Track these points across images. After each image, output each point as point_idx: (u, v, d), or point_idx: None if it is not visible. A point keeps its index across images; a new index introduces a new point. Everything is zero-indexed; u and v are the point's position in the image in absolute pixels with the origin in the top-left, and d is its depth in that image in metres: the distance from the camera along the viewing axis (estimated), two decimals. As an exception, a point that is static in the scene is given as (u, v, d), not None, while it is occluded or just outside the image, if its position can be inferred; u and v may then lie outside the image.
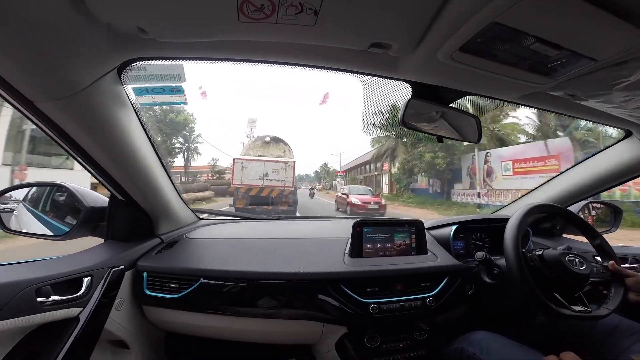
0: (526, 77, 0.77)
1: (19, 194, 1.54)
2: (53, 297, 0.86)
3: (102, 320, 0.99)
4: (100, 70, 0.71)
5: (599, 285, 1.04)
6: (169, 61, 0.82)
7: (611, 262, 1.05)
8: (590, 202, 1.59)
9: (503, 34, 0.60)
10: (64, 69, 0.65)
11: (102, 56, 0.69)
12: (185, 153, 26.53)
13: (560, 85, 0.82)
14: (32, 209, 1.53)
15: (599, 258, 1.12)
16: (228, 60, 0.79)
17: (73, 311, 0.90)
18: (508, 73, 0.75)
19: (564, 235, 1.60)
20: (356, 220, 1.25)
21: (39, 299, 0.84)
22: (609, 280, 1.04)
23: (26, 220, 1.52)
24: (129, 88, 0.89)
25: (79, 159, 0.91)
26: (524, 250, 0.96)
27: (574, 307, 0.93)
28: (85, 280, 0.95)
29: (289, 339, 1.22)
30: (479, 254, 1.15)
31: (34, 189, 1.64)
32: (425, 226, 1.33)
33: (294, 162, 11.86)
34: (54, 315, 0.86)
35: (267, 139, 12.73)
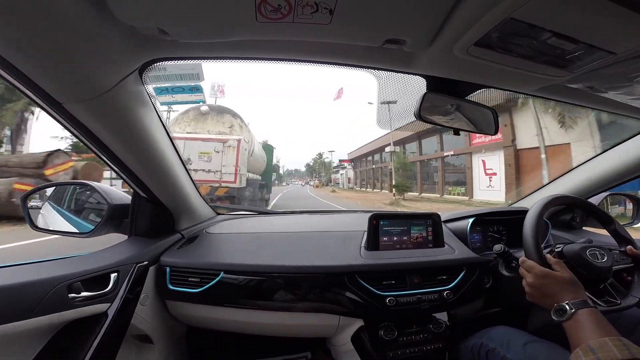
0: (543, 70, 0.76)
1: (46, 193, 1.60)
2: (84, 293, 0.88)
3: (128, 315, 1.01)
4: (123, 72, 0.73)
5: (623, 272, 1.02)
6: (188, 61, 0.83)
7: (628, 247, 1.02)
8: (611, 194, 1.56)
9: (519, 29, 0.60)
10: (90, 71, 0.67)
11: (125, 57, 0.70)
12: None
13: (579, 77, 0.80)
14: (58, 207, 1.58)
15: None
16: (245, 59, 0.80)
17: (102, 307, 0.92)
18: (525, 66, 0.74)
19: (584, 228, 1.57)
20: (372, 213, 1.26)
21: (71, 295, 0.86)
22: (631, 266, 1.01)
23: (52, 218, 1.57)
24: (150, 88, 0.91)
25: (103, 157, 0.93)
26: (546, 253, 0.94)
27: (601, 300, 0.92)
28: (113, 276, 0.97)
29: (306, 332, 1.24)
30: (498, 247, 1.14)
31: (58, 188, 1.70)
32: (442, 219, 1.33)
33: (240, 140, 7.81)
34: (84, 311, 0.88)
35: (204, 108, 8.56)
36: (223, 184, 7.49)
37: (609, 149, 1.37)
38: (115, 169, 1.00)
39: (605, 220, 1.10)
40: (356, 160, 42.24)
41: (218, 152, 7.56)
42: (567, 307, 0.76)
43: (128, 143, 0.91)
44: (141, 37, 0.65)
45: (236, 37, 0.67)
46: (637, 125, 1.24)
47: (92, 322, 0.91)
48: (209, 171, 7.54)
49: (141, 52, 0.72)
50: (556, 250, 1.00)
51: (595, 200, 1.47)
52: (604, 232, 1.26)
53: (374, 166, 33.20)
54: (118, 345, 0.99)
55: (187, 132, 8.12)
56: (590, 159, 1.46)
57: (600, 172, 1.40)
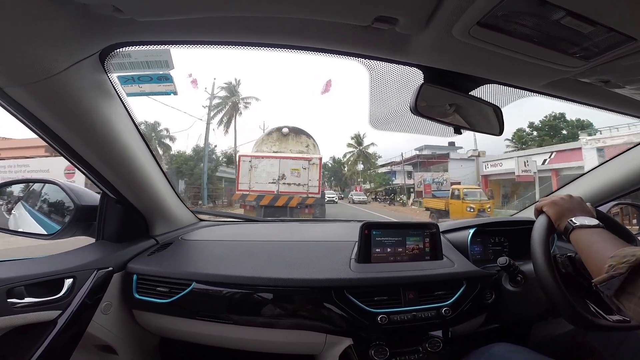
0: (554, 58, 0.67)
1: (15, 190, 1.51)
2: (27, 299, 0.82)
3: (83, 324, 0.93)
4: (76, 55, 0.65)
5: None
6: (154, 46, 0.74)
7: None
8: (619, 204, 1.47)
9: (528, 6, 0.52)
10: (33, 52, 0.59)
11: (78, 40, 0.63)
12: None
13: (593, 69, 0.72)
14: (29, 206, 1.49)
15: None
16: (216, 44, 0.71)
17: (50, 314, 0.85)
18: (534, 54, 0.66)
19: None
20: (364, 222, 1.16)
21: (11, 301, 0.79)
22: None
23: (21, 218, 1.48)
24: (114, 77, 0.83)
25: (61, 151, 0.85)
26: (557, 255, 0.85)
27: (611, 317, 0.81)
28: (67, 281, 0.90)
29: (289, 349, 1.13)
30: (502, 260, 1.04)
31: (34, 186, 1.60)
32: (440, 229, 1.22)
33: (320, 158, 9.36)
34: (26, 318, 0.81)
35: (285, 130, 9.83)
36: (310, 195, 8.96)
37: (620, 154, 1.28)
38: (77, 165, 0.90)
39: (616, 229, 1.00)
40: None
41: (305, 168, 9.03)
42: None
43: (86, 136, 0.82)
44: (96, 17, 0.58)
45: (199, 12, 0.58)
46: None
47: (37, 330, 0.84)
48: (299, 184, 8.95)
49: (98, 35, 0.64)
50: (568, 254, 0.91)
51: (603, 209, 1.37)
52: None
53: None
54: (68, 354, 0.90)
55: (274, 152, 9.50)
56: (601, 165, 1.38)
57: (611, 179, 1.30)
